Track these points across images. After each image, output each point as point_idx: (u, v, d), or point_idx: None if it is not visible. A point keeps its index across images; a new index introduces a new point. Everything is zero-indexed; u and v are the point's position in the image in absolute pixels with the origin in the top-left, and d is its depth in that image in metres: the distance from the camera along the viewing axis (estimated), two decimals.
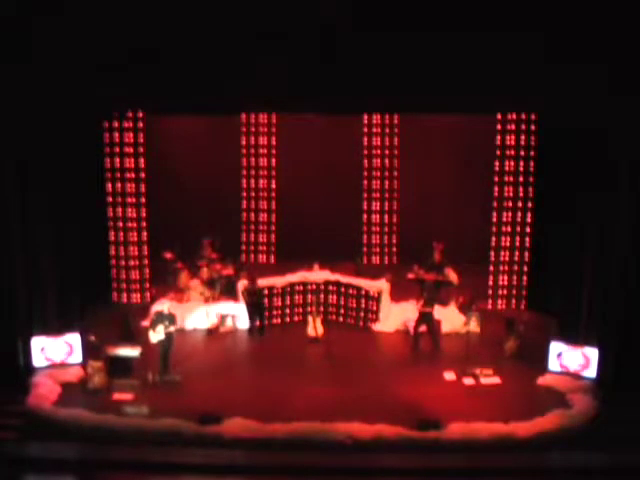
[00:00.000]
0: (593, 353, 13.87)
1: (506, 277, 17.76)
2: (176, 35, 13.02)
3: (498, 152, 17.20)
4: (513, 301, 17.86)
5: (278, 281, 17.27)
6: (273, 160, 20.79)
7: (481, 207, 18.06)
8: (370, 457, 11.98)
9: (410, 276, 17.72)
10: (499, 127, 17.12)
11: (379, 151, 20.59)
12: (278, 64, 13.16)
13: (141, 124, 17.38)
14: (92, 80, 13.31)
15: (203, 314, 17.02)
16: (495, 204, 17.40)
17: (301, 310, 17.31)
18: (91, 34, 13.01)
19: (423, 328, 15.82)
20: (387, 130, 20.49)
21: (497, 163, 17.23)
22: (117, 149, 17.43)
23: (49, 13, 12.84)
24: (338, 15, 12.76)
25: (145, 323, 16.15)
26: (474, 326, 16.70)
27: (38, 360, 14.16)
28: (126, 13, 12.90)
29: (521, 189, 17.24)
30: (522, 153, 17.14)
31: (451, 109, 15.77)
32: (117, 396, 13.59)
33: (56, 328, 14.68)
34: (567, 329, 14.64)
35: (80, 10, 12.86)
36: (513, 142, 17.11)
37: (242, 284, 17.23)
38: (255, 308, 16.66)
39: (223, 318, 17.02)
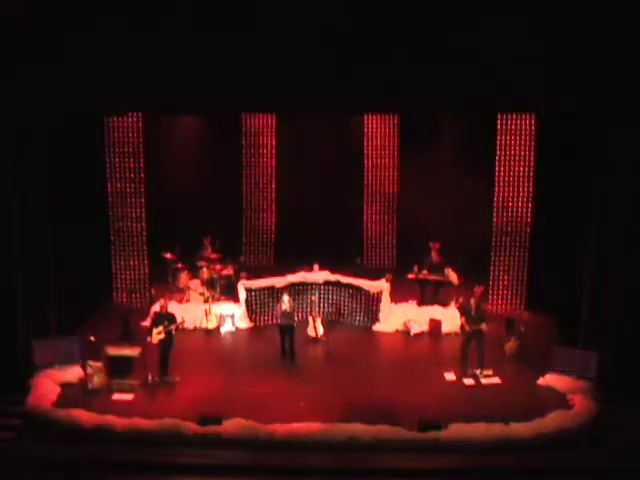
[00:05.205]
0: (593, 354, 13.86)
1: (506, 277, 17.75)
2: (176, 35, 13.01)
3: (498, 152, 17.21)
4: (513, 301, 17.86)
5: (278, 281, 17.26)
6: (273, 160, 20.79)
7: (481, 207, 18.03)
8: (370, 457, 11.98)
9: (410, 276, 17.75)
10: (499, 127, 17.12)
11: (379, 151, 20.58)
12: (279, 64, 13.17)
13: (141, 124, 17.39)
14: (92, 80, 13.31)
15: (203, 314, 17.01)
16: (495, 204, 17.40)
17: (301, 310, 17.30)
18: (90, 33, 13.02)
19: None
20: (387, 130, 20.49)
21: (497, 163, 17.23)
22: (117, 149, 17.44)
23: (51, 16, 12.86)
24: (338, 15, 12.76)
25: (145, 323, 16.17)
26: None
27: (38, 360, 14.14)
28: (126, 13, 12.90)
29: (521, 189, 17.24)
30: (522, 153, 17.14)
31: (451, 109, 15.79)
32: (117, 396, 13.60)
33: (56, 328, 14.70)
34: (567, 329, 14.64)
35: (78, 10, 12.89)
36: (513, 142, 17.12)
37: (242, 284, 17.23)
38: (286, 331, 15.48)
39: (223, 318, 17.01)
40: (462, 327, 14.78)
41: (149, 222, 17.94)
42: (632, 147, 13.23)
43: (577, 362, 13.94)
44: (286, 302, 15.44)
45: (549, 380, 14.13)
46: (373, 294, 17.12)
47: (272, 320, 17.05)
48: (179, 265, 18.64)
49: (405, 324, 16.85)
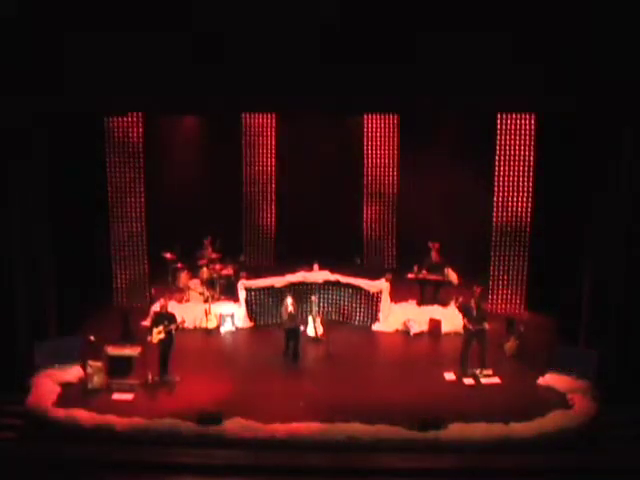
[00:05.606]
0: (593, 354, 13.87)
1: (506, 277, 17.75)
2: (175, 35, 13.01)
3: (498, 152, 17.21)
4: (513, 301, 17.86)
5: (278, 281, 17.25)
6: (273, 160, 20.79)
7: (481, 207, 18.04)
8: (370, 457, 11.98)
9: (410, 276, 17.75)
10: (499, 127, 17.12)
11: (379, 151, 20.58)
12: (279, 64, 13.17)
13: (141, 124, 17.38)
14: (92, 80, 13.31)
15: (203, 314, 17.00)
16: (495, 204, 17.39)
17: (301, 310, 17.27)
18: (90, 33, 13.02)
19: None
20: (387, 130, 20.49)
21: (497, 163, 17.22)
22: (117, 149, 17.43)
23: (51, 16, 12.86)
24: (338, 15, 12.76)
25: (145, 323, 16.17)
26: None
27: (38, 360, 14.14)
28: (126, 13, 12.90)
29: (521, 188, 17.24)
30: (522, 153, 17.14)
31: (451, 109, 15.78)
32: (117, 396, 13.61)
33: (56, 328, 14.69)
34: (567, 329, 14.61)
35: (78, 10, 12.88)
36: (513, 142, 17.13)
37: (242, 284, 17.23)
38: (292, 333, 15.41)
39: (223, 318, 17.01)
40: (465, 327, 14.78)
41: (149, 222, 17.94)
42: (631, 147, 13.25)
43: (577, 362, 13.93)
44: (290, 305, 15.37)
45: (549, 380, 14.12)
46: (373, 294, 17.13)
47: (272, 320, 17.08)
48: (179, 265, 18.65)
49: (405, 324, 16.85)
